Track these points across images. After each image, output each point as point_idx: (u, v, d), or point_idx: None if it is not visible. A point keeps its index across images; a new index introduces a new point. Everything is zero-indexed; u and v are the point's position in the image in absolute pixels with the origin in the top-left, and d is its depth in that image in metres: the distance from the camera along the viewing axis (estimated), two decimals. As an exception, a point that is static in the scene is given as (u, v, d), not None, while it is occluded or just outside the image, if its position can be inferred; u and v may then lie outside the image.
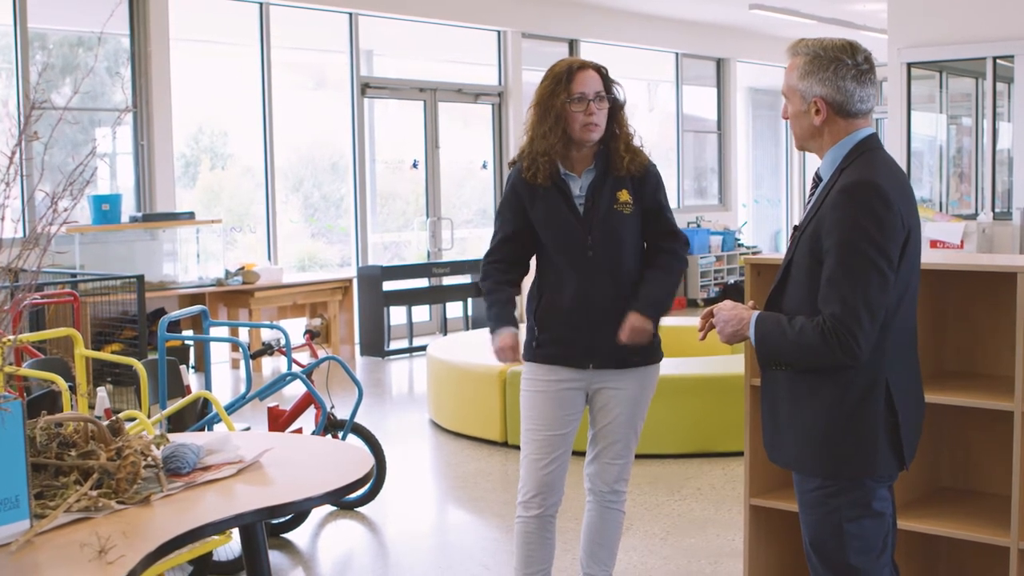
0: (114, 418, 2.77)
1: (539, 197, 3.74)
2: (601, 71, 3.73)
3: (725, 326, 2.86)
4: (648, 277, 3.77)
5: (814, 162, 2.94)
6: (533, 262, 3.89)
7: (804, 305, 2.73)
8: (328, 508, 5.65)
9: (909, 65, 10.93)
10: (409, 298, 11.10)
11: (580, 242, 3.71)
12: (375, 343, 10.64)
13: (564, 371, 3.76)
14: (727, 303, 2.89)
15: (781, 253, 3.09)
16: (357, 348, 10.74)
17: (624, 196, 3.72)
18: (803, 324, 2.68)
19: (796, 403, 2.81)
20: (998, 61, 10.68)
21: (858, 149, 2.77)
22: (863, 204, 2.63)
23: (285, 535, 5.26)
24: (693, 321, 8.94)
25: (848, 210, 2.65)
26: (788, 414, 2.83)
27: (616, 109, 3.74)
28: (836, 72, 2.75)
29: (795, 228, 2.86)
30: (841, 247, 2.63)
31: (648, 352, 3.81)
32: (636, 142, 3.78)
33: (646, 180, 3.78)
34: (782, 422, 2.85)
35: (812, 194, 2.87)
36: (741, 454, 3.97)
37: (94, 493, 2.46)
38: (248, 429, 4.93)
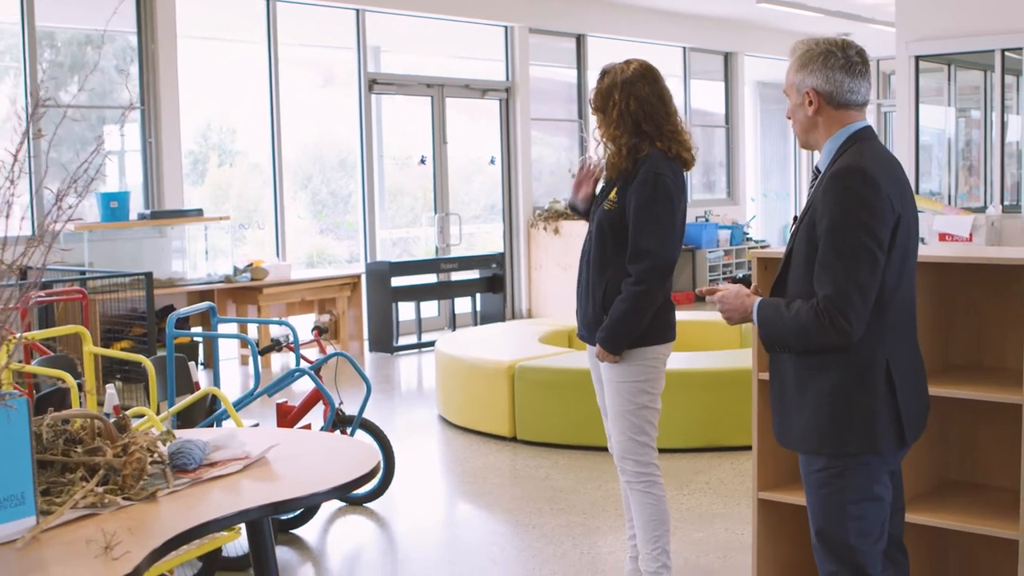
0: (121, 415, 2.78)
1: None
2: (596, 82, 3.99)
3: (733, 314, 3.01)
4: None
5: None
6: None
7: (804, 291, 2.84)
8: (337, 504, 5.67)
9: (917, 58, 10.89)
10: (417, 294, 11.10)
11: (586, 232, 4.07)
12: (383, 339, 10.65)
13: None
14: (731, 291, 3.01)
15: (788, 246, 3.23)
16: (366, 344, 10.75)
17: (612, 194, 3.91)
18: (799, 307, 2.80)
19: (801, 386, 2.91)
20: (1006, 53, 10.64)
21: (851, 140, 2.88)
22: (851, 188, 2.75)
23: (294, 531, 5.28)
24: (700, 315, 8.93)
25: (837, 195, 2.76)
26: (794, 397, 2.94)
27: (602, 112, 3.92)
28: (825, 63, 2.87)
29: (795, 219, 3.01)
30: (832, 231, 2.75)
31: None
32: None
33: (629, 184, 3.83)
34: (789, 406, 2.96)
35: (811, 187, 2.97)
36: (750, 448, 3.96)
37: (100, 489, 2.47)
38: (257, 425, 4.93)
